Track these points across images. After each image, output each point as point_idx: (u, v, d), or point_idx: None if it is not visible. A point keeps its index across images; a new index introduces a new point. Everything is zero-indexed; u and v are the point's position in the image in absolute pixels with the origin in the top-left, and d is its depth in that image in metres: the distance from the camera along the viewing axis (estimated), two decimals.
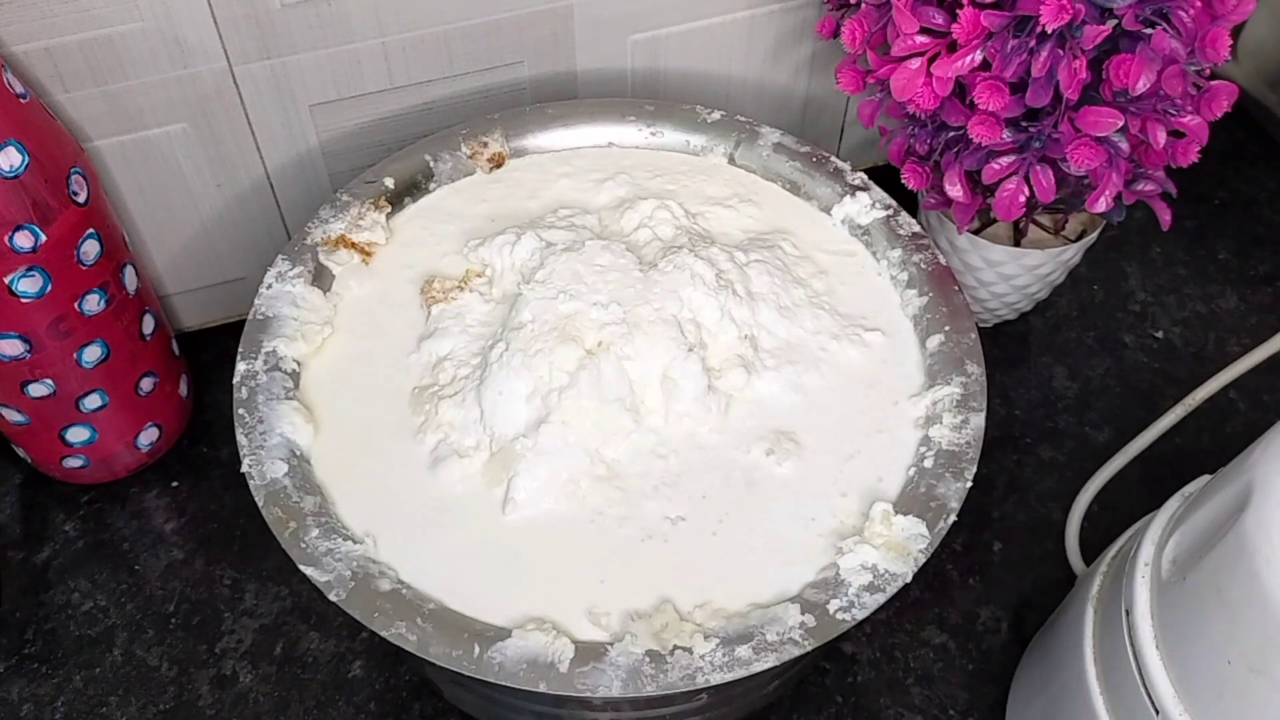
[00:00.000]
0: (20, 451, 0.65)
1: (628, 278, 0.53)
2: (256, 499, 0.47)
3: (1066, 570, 0.63)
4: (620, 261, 0.53)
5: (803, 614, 0.44)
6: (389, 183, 0.59)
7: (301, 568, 0.45)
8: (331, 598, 0.44)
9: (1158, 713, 0.44)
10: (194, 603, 0.62)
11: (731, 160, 0.63)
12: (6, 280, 0.53)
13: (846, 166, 0.61)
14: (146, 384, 0.63)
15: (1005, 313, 0.72)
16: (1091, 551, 0.55)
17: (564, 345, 0.50)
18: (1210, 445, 0.69)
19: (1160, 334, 0.75)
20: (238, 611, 0.61)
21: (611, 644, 0.43)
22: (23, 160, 0.51)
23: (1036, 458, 0.69)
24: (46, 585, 0.62)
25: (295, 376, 0.52)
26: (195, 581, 0.62)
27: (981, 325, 0.73)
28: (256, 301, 0.53)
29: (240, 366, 0.51)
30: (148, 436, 0.65)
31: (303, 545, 0.46)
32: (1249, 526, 0.40)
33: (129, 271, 0.60)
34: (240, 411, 0.49)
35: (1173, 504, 0.48)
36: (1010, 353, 0.74)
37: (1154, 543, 0.47)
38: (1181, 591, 0.44)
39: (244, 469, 0.48)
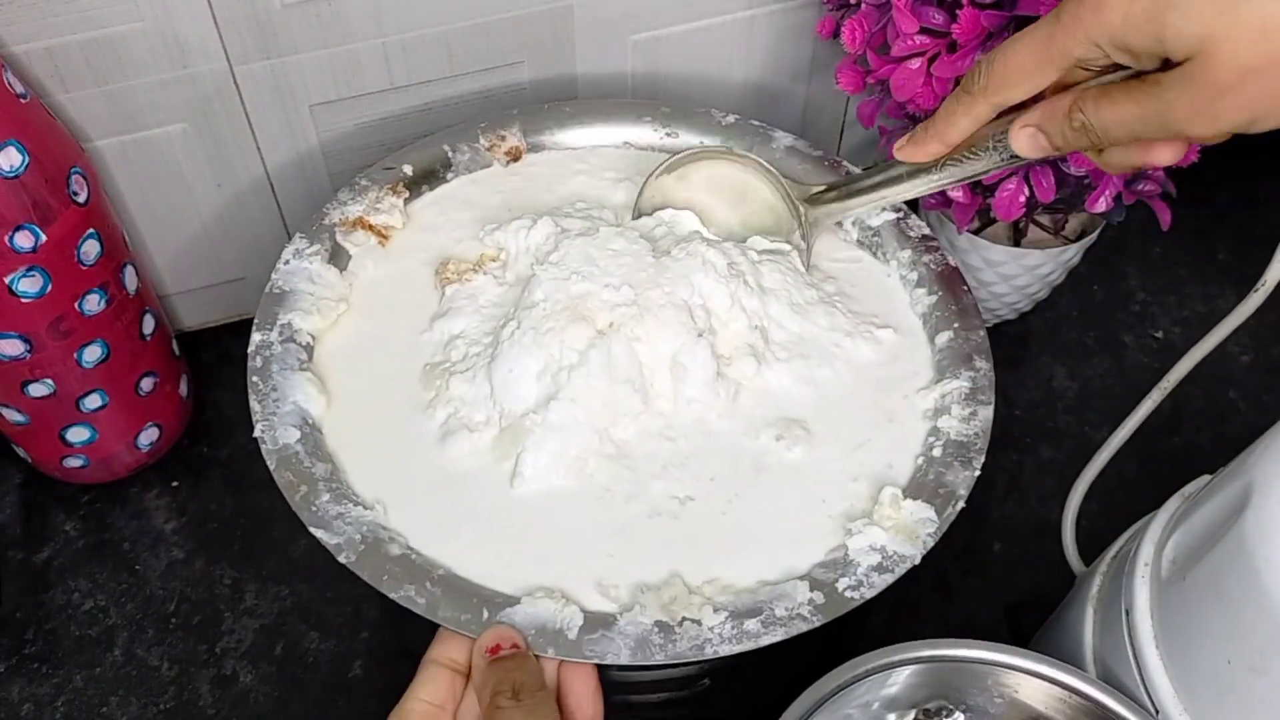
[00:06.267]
0: (20, 451, 0.65)
1: (640, 262, 0.53)
2: (268, 463, 0.47)
3: (1066, 570, 0.63)
4: (633, 247, 0.53)
5: (811, 591, 0.44)
6: (407, 170, 0.60)
7: (311, 530, 0.45)
8: (341, 559, 0.44)
9: (1157, 712, 0.44)
10: (194, 602, 0.62)
11: None
12: (6, 280, 0.53)
13: (858, 171, 0.60)
14: (147, 384, 0.63)
15: (1005, 313, 0.72)
16: (1091, 552, 0.55)
17: (575, 324, 0.50)
18: (1210, 445, 0.69)
19: (1160, 334, 0.75)
20: (238, 611, 0.61)
21: (620, 614, 0.43)
22: (23, 160, 0.51)
23: (1036, 457, 0.69)
24: (47, 585, 0.62)
25: (309, 349, 0.52)
26: (195, 581, 0.62)
27: None
28: (273, 275, 0.54)
29: (255, 337, 0.51)
30: (148, 436, 0.65)
31: (313, 509, 0.46)
32: (1249, 526, 0.40)
33: (129, 271, 0.60)
34: (254, 379, 0.50)
35: (1173, 504, 0.48)
36: (1010, 353, 0.74)
37: (1154, 543, 0.47)
38: (1181, 591, 0.44)
39: (256, 433, 0.48)
